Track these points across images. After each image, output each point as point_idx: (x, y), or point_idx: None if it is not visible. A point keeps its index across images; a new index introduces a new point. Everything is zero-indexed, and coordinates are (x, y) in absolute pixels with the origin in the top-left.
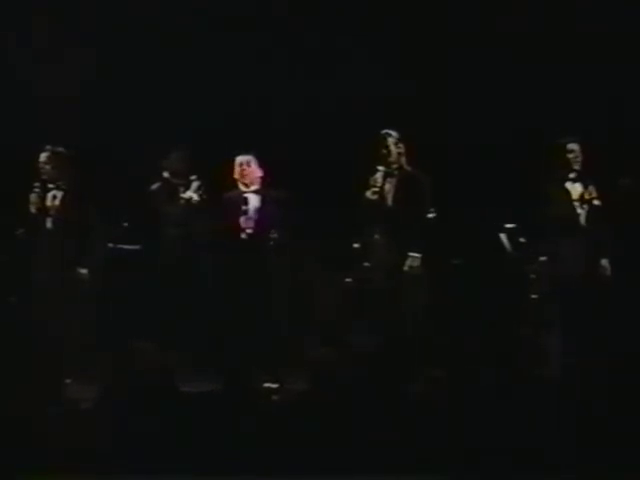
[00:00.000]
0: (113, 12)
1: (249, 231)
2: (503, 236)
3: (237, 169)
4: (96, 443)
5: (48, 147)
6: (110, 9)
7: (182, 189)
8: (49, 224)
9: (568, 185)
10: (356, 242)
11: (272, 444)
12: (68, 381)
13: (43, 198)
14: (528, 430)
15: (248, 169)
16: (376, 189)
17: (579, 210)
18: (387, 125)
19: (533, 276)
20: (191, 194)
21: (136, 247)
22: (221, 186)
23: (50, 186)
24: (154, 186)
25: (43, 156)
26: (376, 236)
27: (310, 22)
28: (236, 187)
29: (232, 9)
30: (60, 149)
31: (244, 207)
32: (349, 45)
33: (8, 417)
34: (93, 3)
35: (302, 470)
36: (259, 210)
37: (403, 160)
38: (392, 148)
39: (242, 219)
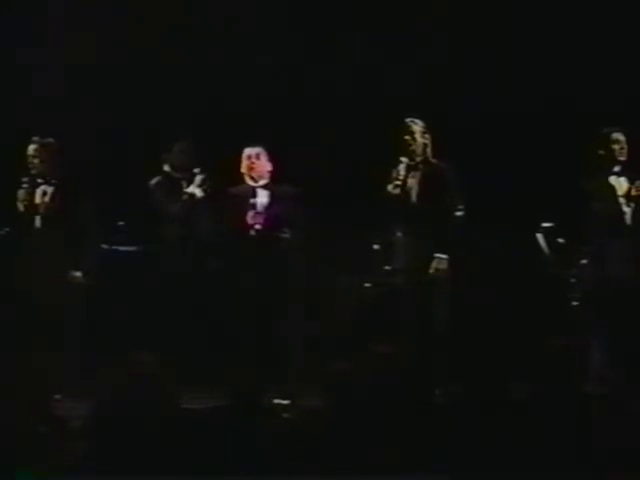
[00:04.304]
0: (114, 3)
1: (258, 227)
2: (540, 236)
3: (245, 162)
4: (91, 462)
5: (35, 138)
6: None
7: (185, 184)
8: (38, 223)
9: (612, 179)
10: (376, 242)
11: (282, 465)
12: (58, 396)
13: (32, 194)
14: (566, 443)
15: (257, 162)
16: (398, 182)
17: (625, 207)
18: (408, 115)
19: (573, 280)
20: (194, 189)
21: (134, 248)
22: (227, 180)
23: (39, 181)
24: (154, 181)
25: (31, 148)
26: (398, 235)
27: (317, 13)
28: (243, 182)
29: None
30: (49, 140)
31: (252, 200)
32: (364, 35)
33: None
34: None
35: None
36: (268, 206)
37: (429, 152)
38: (418, 137)
39: (250, 214)
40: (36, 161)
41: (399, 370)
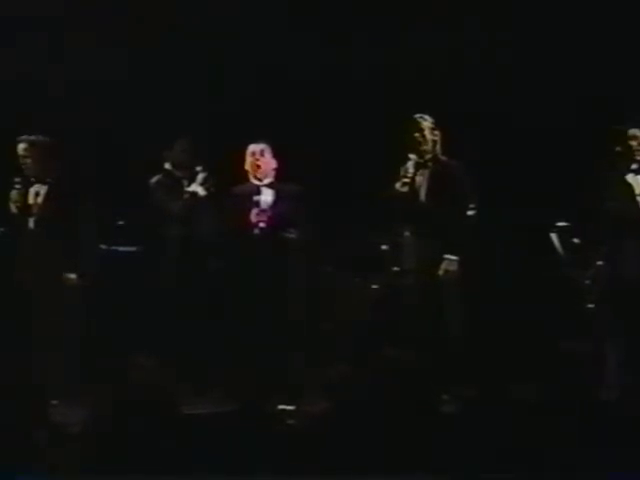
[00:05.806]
0: (114, 2)
1: (262, 225)
2: (554, 236)
3: (249, 159)
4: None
5: (24, 137)
6: None
7: (186, 182)
8: (32, 224)
9: (630, 177)
10: (384, 243)
11: (283, 464)
12: (55, 402)
13: (24, 195)
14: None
15: (262, 159)
16: (407, 180)
17: None
18: (418, 111)
19: (588, 282)
20: (196, 188)
21: (134, 249)
22: (230, 179)
23: (32, 181)
24: (154, 179)
25: (21, 148)
26: (406, 235)
27: (318, 12)
28: (247, 180)
29: None
30: (40, 138)
31: (256, 198)
32: (364, 35)
33: None
34: None
35: None
36: (273, 205)
37: (438, 149)
38: (427, 134)
39: (254, 212)
40: (28, 161)
41: (404, 372)
